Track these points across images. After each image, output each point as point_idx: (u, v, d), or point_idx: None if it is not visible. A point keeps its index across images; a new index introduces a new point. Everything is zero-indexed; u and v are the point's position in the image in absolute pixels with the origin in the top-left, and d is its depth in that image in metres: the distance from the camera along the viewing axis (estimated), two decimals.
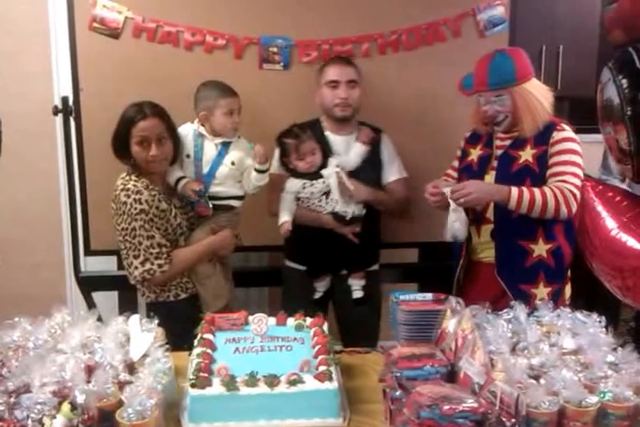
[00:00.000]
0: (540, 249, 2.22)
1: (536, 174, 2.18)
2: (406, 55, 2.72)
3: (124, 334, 1.70)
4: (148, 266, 2.17)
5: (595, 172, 2.87)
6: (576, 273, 2.39)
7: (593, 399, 1.41)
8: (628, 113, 2.35)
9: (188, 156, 2.35)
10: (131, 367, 1.58)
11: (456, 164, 2.43)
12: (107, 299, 2.86)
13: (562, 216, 2.14)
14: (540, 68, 3.79)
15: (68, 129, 2.69)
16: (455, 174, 2.41)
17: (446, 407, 1.31)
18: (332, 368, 1.58)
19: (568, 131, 2.21)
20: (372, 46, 2.70)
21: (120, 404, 1.41)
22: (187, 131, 2.36)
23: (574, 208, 2.15)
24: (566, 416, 1.40)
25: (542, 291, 2.23)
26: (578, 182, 2.16)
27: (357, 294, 2.52)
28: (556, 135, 2.19)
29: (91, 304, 2.67)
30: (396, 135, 2.66)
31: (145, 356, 1.61)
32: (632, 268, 2.35)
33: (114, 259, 2.79)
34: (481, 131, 2.33)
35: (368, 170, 2.50)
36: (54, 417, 1.36)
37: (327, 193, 2.40)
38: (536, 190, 2.11)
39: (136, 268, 2.18)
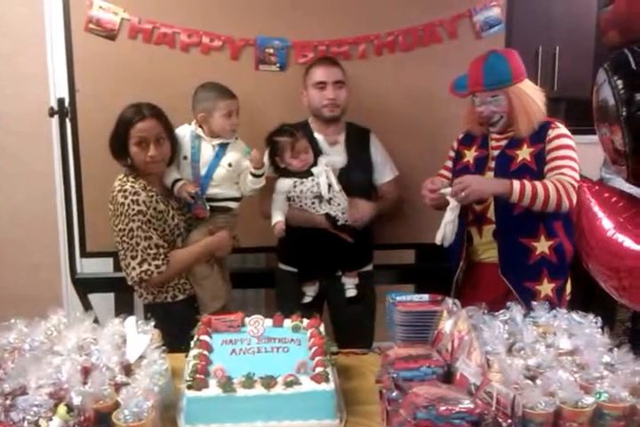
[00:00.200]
0: (543, 246, 2.22)
1: (534, 172, 2.19)
2: (403, 56, 2.72)
3: (121, 336, 1.69)
4: (145, 267, 2.17)
5: (591, 173, 2.86)
6: (573, 273, 2.39)
7: (589, 400, 1.41)
8: (624, 114, 2.36)
9: (185, 157, 2.34)
10: (127, 369, 1.58)
11: (449, 164, 2.43)
12: (103, 301, 2.85)
13: (563, 209, 2.14)
14: (536, 69, 3.80)
15: (64, 130, 2.68)
16: (449, 174, 2.40)
17: (443, 408, 1.31)
18: (329, 369, 1.58)
19: (562, 128, 2.23)
20: (369, 47, 2.70)
21: (116, 406, 1.41)
22: (184, 132, 2.35)
23: (575, 200, 2.16)
24: (562, 417, 1.40)
25: (546, 287, 2.24)
26: (576, 176, 2.18)
27: (351, 292, 2.53)
28: (552, 132, 2.20)
29: (87, 306, 2.67)
30: (393, 136, 2.67)
31: (141, 357, 1.61)
32: (628, 268, 2.36)
33: (110, 260, 2.79)
34: (475, 132, 2.34)
35: (357, 171, 2.51)
36: (50, 419, 1.35)
37: (320, 197, 2.40)
38: (537, 183, 2.12)
39: (133, 269, 2.18)
